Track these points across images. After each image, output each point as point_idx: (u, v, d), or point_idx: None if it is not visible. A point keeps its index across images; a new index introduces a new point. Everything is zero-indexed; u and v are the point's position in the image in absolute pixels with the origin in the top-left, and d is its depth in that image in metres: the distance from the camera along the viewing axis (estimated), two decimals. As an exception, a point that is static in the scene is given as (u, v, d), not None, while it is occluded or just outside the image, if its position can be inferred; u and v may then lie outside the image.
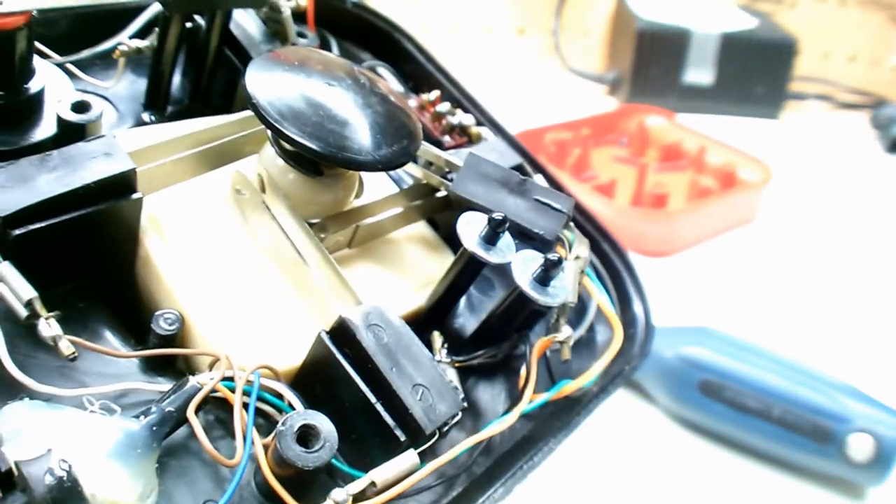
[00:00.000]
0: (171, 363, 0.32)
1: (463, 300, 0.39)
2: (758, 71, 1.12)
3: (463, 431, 0.36)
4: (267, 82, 0.33)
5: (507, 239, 0.35)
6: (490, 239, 0.34)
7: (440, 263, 0.38)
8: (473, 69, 1.20)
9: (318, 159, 0.34)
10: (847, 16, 1.26)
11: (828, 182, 0.97)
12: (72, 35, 0.42)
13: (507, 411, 0.35)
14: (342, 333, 0.30)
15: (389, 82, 0.52)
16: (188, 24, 0.42)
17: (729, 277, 0.76)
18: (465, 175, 0.38)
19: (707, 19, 1.13)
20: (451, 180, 0.39)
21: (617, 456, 0.55)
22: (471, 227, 0.34)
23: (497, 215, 0.33)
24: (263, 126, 0.34)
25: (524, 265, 0.34)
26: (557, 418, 0.37)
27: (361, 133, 0.34)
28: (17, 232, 0.28)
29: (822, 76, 1.22)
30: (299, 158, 0.35)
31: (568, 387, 0.36)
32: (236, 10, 0.43)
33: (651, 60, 1.11)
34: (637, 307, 0.44)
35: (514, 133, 0.48)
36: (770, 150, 0.94)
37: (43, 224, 0.29)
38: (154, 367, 0.31)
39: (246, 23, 0.44)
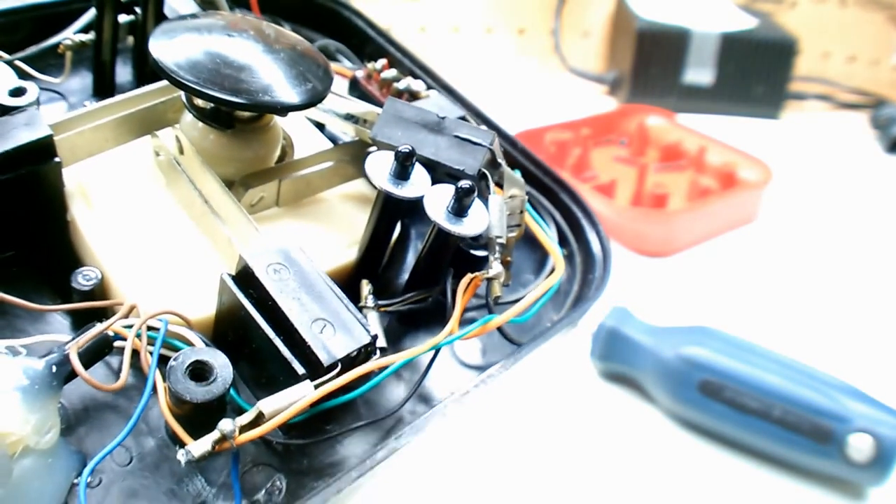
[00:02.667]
0: (100, 319, 0.32)
1: (394, 253, 0.38)
2: (758, 71, 1.11)
3: (400, 381, 0.36)
4: (169, 43, 0.34)
5: (419, 173, 0.34)
6: (400, 174, 0.34)
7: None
8: (473, 69, 1.20)
9: (219, 104, 0.35)
10: (847, 16, 1.26)
11: (828, 182, 0.97)
12: (31, 38, 0.44)
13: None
14: (244, 275, 0.30)
15: (342, 61, 0.53)
16: (129, 17, 0.44)
17: (729, 277, 0.76)
18: (385, 120, 0.38)
19: (707, 19, 1.13)
20: None
21: (617, 456, 0.55)
22: (380, 166, 0.34)
23: (403, 148, 0.33)
24: (178, 90, 0.35)
25: (438, 198, 0.33)
26: (501, 356, 0.37)
27: (263, 76, 0.34)
28: None
29: (822, 76, 1.22)
30: (212, 115, 0.36)
31: (493, 322, 0.34)
32: None
33: (651, 60, 1.11)
34: (595, 248, 0.44)
35: (514, 133, 0.49)
36: (770, 150, 0.94)
37: None
38: (82, 323, 0.32)
39: (182, 8, 0.45)
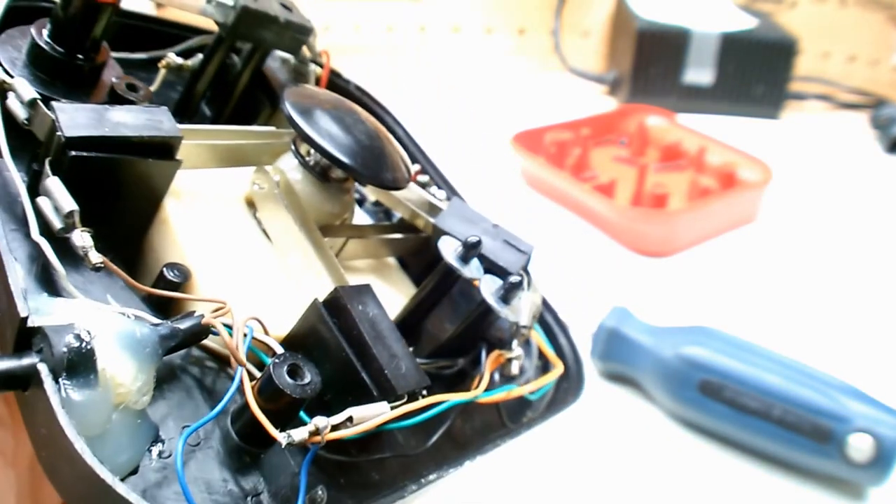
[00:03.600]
0: (170, 313, 0.34)
1: (445, 310, 0.43)
2: (758, 71, 1.12)
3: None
4: (300, 106, 0.40)
5: (476, 263, 0.40)
6: (464, 258, 0.39)
7: (403, 297, 0.44)
8: (473, 69, 1.20)
9: (346, 171, 0.40)
10: (847, 16, 1.26)
11: (828, 182, 0.97)
12: (124, 40, 0.47)
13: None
14: (335, 303, 0.33)
15: None
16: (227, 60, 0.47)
17: (729, 277, 0.76)
18: (449, 213, 0.45)
19: (707, 19, 1.13)
20: None
21: (617, 456, 0.55)
22: (449, 247, 0.40)
23: (471, 238, 0.39)
24: (283, 140, 0.42)
25: (491, 284, 0.40)
26: (486, 440, 0.42)
27: (372, 155, 0.40)
28: (74, 153, 0.32)
29: (822, 76, 1.22)
30: (314, 167, 0.41)
31: (514, 391, 0.41)
32: (272, 56, 0.49)
33: (651, 60, 1.11)
34: (568, 353, 0.50)
35: (514, 133, 0.50)
36: (770, 150, 0.94)
37: (97, 154, 0.33)
38: (158, 311, 0.34)
39: (277, 67, 0.50)
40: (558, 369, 0.46)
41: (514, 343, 0.42)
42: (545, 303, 0.50)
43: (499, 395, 0.40)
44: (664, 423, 0.58)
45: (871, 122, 1.14)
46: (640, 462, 0.55)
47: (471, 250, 0.39)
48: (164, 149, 0.35)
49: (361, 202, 0.53)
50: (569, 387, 0.48)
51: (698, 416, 0.56)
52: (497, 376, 0.43)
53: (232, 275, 0.37)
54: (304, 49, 0.50)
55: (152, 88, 0.44)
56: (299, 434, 0.29)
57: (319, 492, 0.32)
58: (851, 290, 0.75)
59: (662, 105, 1.04)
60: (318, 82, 0.53)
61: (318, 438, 0.30)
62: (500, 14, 1.23)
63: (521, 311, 0.40)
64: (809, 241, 0.83)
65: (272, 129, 0.44)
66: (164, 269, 0.35)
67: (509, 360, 0.42)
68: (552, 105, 1.09)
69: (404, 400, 0.33)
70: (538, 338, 0.47)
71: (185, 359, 0.34)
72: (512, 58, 1.23)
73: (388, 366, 0.32)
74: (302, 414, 0.31)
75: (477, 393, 0.39)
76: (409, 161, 0.44)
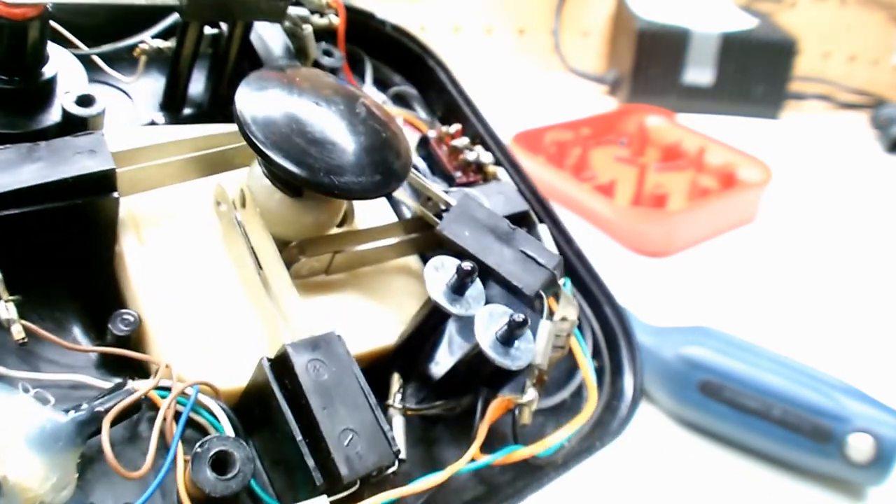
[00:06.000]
0: (129, 364, 0.32)
1: (441, 344, 0.38)
2: (758, 71, 1.12)
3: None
4: (256, 102, 0.33)
5: (477, 289, 0.33)
6: (458, 288, 0.33)
7: (417, 305, 0.37)
8: (473, 69, 1.20)
9: (297, 183, 0.34)
10: (847, 16, 1.26)
11: (828, 182, 0.97)
12: (106, 28, 0.42)
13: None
14: (282, 363, 0.29)
15: (416, 109, 0.52)
16: (213, 30, 0.42)
17: (729, 277, 0.76)
18: (455, 216, 0.37)
19: (707, 19, 1.13)
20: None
21: (617, 456, 0.55)
22: (439, 275, 0.33)
23: (466, 265, 0.33)
24: None
25: (489, 321, 0.32)
26: (512, 484, 0.36)
27: (342, 158, 0.33)
28: None
29: (822, 76, 1.22)
30: (282, 179, 0.34)
31: (517, 453, 0.35)
32: (261, 23, 0.43)
33: (651, 60, 1.11)
34: (627, 381, 0.42)
35: (514, 133, 0.48)
36: (770, 150, 0.94)
37: (17, 211, 0.29)
38: (110, 365, 0.32)
39: (269, 36, 0.44)
40: (588, 409, 0.38)
41: (528, 384, 0.34)
42: (617, 312, 0.43)
43: (494, 462, 0.34)
44: (664, 423, 0.58)
45: (871, 122, 1.14)
46: (640, 462, 0.55)
47: (465, 279, 0.33)
48: (97, 185, 0.31)
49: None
50: (610, 418, 0.40)
51: (698, 416, 0.56)
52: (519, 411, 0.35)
53: (189, 319, 0.33)
54: (301, 8, 0.44)
55: (133, 79, 0.41)
56: None
57: None
58: (851, 289, 0.75)
59: (662, 105, 1.04)
60: (335, 36, 0.46)
61: None
62: (500, 14, 1.23)
63: (536, 348, 0.33)
64: (809, 241, 0.83)
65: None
66: (112, 319, 0.31)
67: (520, 406, 0.34)
68: (552, 105, 1.09)
69: (355, 487, 0.28)
70: (580, 355, 0.39)
71: (130, 424, 0.30)
72: (512, 58, 1.23)
73: (338, 446, 0.28)
74: (256, 486, 0.29)
75: (458, 467, 0.32)
76: (410, 152, 0.37)
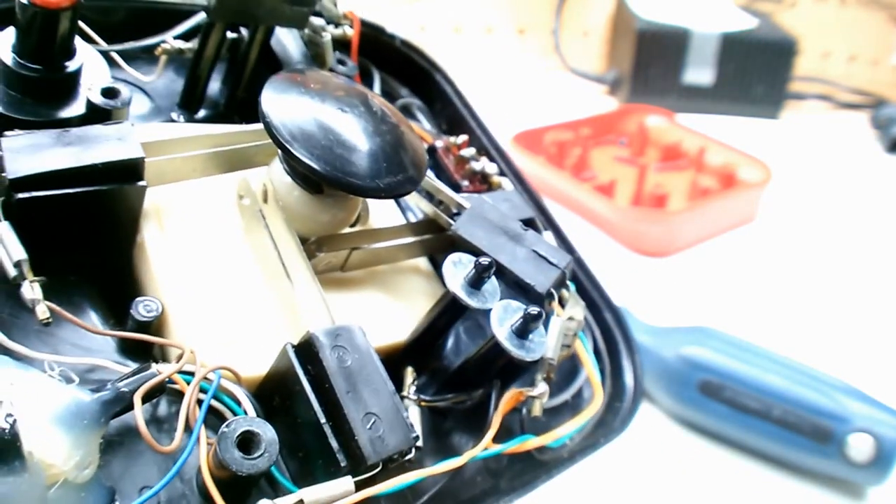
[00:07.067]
0: (147, 350, 0.32)
1: (451, 340, 0.39)
2: (758, 71, 1.12)
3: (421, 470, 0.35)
4: (281, 102, 0.34)
5: (492, 284, 0.35)
6: (475, 283, 0.34)
7: (433, 302, 0.38)
8: (473, 69, 1.20)
9: (321, 180, 0.35)
10: (847, 16, 1.26)
11: (828, 182, 0.97)
12: (126, 26, 0.43)
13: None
14: (307, 349, 0.30)
15: (421, 121, 0.53)
16: (234, 35, 0.43)
17: (729, 277, 0.76)
18: (469, 217, 0.38)
19: (707, 19, 1.13)
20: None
21: (617, 456, 0.55)
22: (457, 269, 0.34)
23: (483, 260, 0.34)
24: None
25: (504, 314, 0.34)
26: (520, 477, 0.37)
27: (365, 159, 0.34)
28: (21, 196, 0.29)
29: (822, 76, 1.22)
30: (303, 176, 0.36)
31: (529, 442, 0.36)
32: (281, 29, 0.44)
33: (651, 60, 1.11)
34: (628, 379, 0.44)
35: (514, 133, 0.48)
36: (770, 150, 0.94)
37: (46, 193, 0.30)
38: (129, 350, 0.32)
39: (288, 42, 0.45)
40: (594, 405, 0.39)
41: (539, 378, 0.35)
42: (614, 316, 0.44)
43: (508, 451, 0.35)
44: (664, 423, 0.58)
45: (871, 122, 1.14)
46: (640, 462, 0.55)
47: (483, 274, 0.34)
48: (125, 173, 0.32)
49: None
50: (612, 417, 0.42)
51: (698, 416, 0.56)
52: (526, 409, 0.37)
53: (210, 307, 0.34)
54: (319, 18, 0.45)
55: (153, 78, 0.42)
56: None
57: None
58: (851, 289, 0.75)
59: (662, 105, 1.04)
60: (349, 47, 0.47)
61: None
62: (500, 14, 1.23)
63: (547, 342, 0.35)
64: (809, 241, 0.83)
65: (261, 127, 0.38)
66: (133, 305, 0.32)
67: (531, 398, 0.36)
68: (552, 105, 1.09)
69: (377, 469, 0.29)
70: (583, 354, 0.40)
71: (151, 407, 0.31)
72: (512, 58, 1.23)
73: (362, 429, 0.29)
74: (277, 473, 0.29)
75: (474, 453, 0.33)
76: (425, 154, 0.38)
